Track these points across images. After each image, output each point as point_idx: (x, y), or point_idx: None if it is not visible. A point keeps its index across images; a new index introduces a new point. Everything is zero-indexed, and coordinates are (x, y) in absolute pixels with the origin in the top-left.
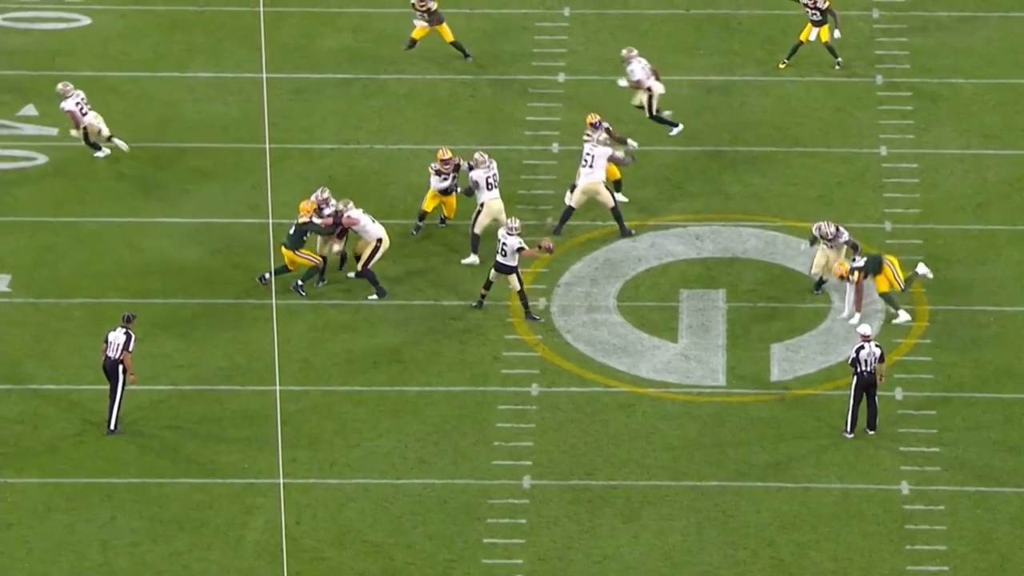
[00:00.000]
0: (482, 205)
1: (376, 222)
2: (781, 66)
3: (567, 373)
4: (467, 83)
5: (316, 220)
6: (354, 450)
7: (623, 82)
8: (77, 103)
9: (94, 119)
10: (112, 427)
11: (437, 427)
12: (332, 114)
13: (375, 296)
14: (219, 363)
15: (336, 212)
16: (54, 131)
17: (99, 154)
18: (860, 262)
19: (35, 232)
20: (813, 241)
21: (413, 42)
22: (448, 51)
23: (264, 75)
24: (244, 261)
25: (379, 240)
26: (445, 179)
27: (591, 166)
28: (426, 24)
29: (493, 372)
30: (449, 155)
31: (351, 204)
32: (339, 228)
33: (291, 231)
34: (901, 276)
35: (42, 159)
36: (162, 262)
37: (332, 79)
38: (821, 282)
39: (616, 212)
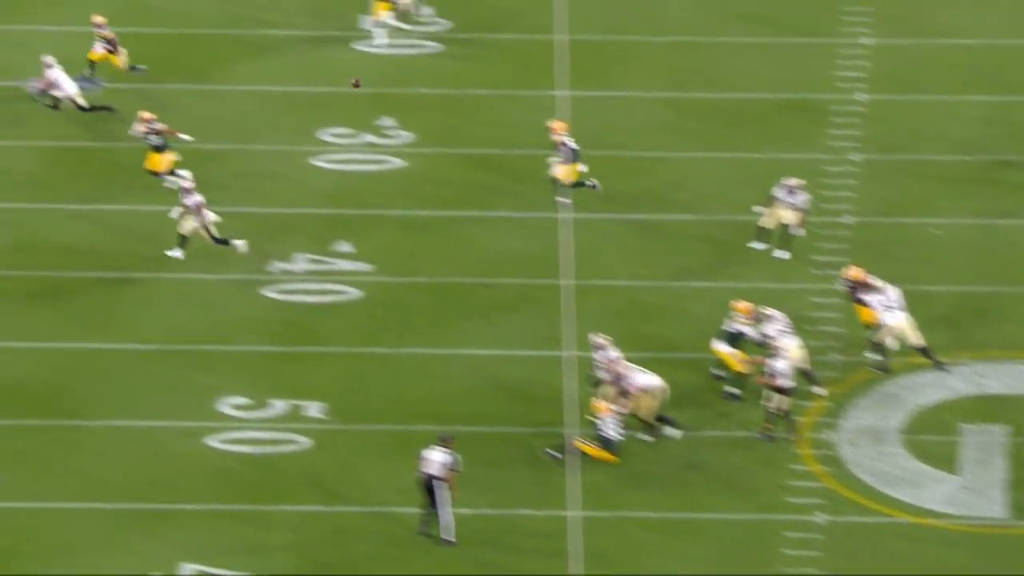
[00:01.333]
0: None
1: (647, 373)
2: None
3: (852, 503)
4: (751, 225)
5: (616, 412)
6: (644, 573)
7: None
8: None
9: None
10: (450, 538)
11: (725, 552)
12: (624, 252)
13: (674, 431)
14: (518, 487)
15: (610, 362)
16: (366, 267)
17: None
18: None
19: (346, 362)
20: None
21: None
22: (732, 193)
23: (561, 215)
24: (541, 393)
25: (658, 388)
26: (752, 328)
27: (899, 308)
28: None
29: (780, 501)
30: (750, 306)
31: (622, 358)
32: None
33: (602, 431)
34: None
35: (353, 292)
36: (464, 391)
37: (626, 219)
38: None
39: (926, 350)
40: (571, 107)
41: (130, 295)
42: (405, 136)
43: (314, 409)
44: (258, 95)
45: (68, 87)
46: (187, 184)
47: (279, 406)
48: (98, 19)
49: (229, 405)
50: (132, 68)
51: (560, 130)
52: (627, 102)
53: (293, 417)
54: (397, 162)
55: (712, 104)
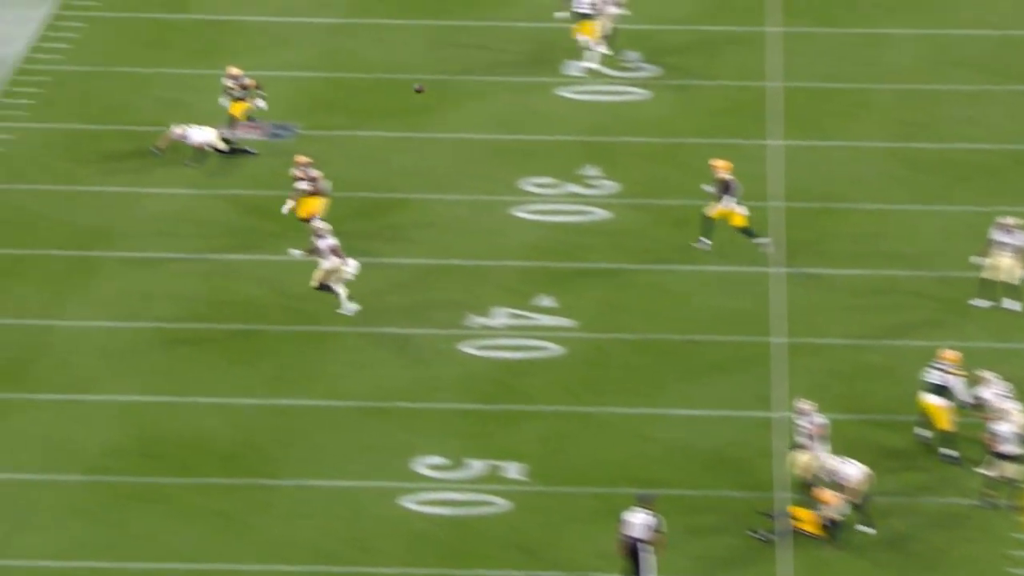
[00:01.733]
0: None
1: (853, 463)
2: None
3: None
4: (974, 281)
5: (840, 500)
6: None
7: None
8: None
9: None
10: None
11: None
12: (840, 309)
13: (867, 528)
14: (726, 554)
15: (815, 429)
16: (569, 322)
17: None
18: None
19: (547, 421)
20: None
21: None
22: (955, 248)
23: (772, 269)
24: (750, 456)
25: (866, 478)
26: (960, 381)
27: None
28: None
29: (1001, 572)
30: (958, 355)
31: (828, 425)
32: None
33: (829, 519)
34: None
35: (555, 349)
36: (670, 453)
37: (842, 275)
38: None
39: None
40: (785, 157)
41: (324, 350)
42: (610, 186)
43: (513, 470)
44: (459, 143)
45: (204, 136)
46: (321, 226)
47: (477, 466)
48: (234, 71)
49: (425, 465)
50: (250, 119)
51: (724, 169)
52: (845, 153)
53: (492, 478)
54: (602, 213)
55: (936, 155)
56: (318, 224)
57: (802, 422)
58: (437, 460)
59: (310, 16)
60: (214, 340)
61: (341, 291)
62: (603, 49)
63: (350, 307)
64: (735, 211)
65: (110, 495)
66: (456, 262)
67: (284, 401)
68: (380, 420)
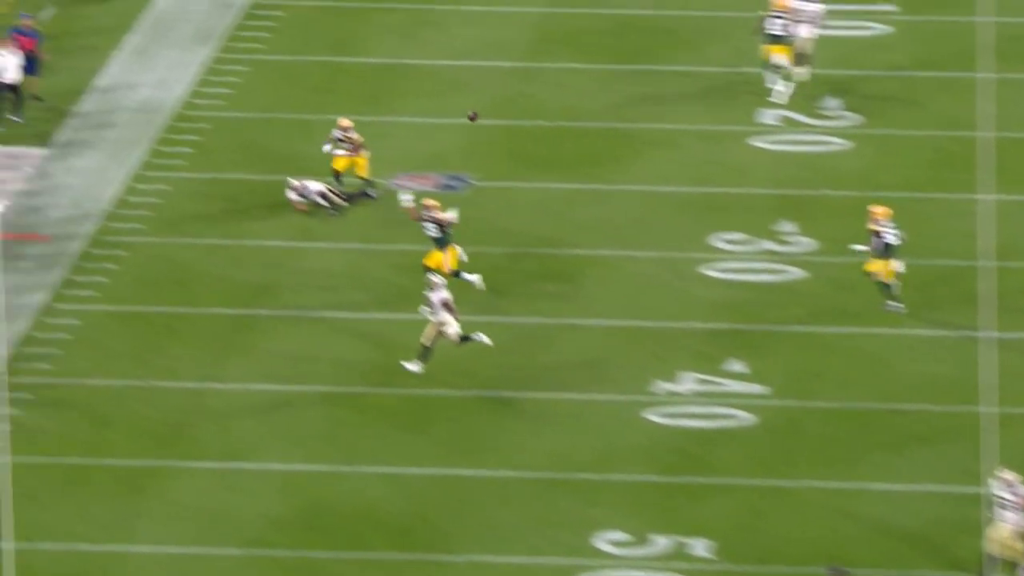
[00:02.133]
0: None
1: None
2: None
3: None
4: None
5: None
6: None
7: None
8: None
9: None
10: None
11: None
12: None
13: None
14: None
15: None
16: (761, 389)
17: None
18: None
19: (737, 495)
20: None
21: None
22: None
23: (981, 333)
24: (954, 533)
25: None
26: None
27: None
28: None
29: None
30: None
31: None
32: None
33: None
34: None
35: (747, 417)
36: (871, 530)
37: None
38: None
39: None
40: (997, 212)
41: (497, 416)
42: (806, 243)
43: (701, 547)
44: (644, 195)
45: (317, 187)
46: (436, 280)
47: (662, 543)
48: (345, 122)
49: (607, 541)
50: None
51: (882, 217)
52: None
53: (677, 555)
54: (797, 272)
55: None
56: (433, 277)
57: (1005, 494)
58: (619, 536)
59: (487, 60)
60: (381, 405)
61: (467, 340)
62: (800, 72)
63: (414, 366)
64: (886, 265)
65: (271, 570)
66: (640, 323)
67: (456, 471)
68: (558, 492)
